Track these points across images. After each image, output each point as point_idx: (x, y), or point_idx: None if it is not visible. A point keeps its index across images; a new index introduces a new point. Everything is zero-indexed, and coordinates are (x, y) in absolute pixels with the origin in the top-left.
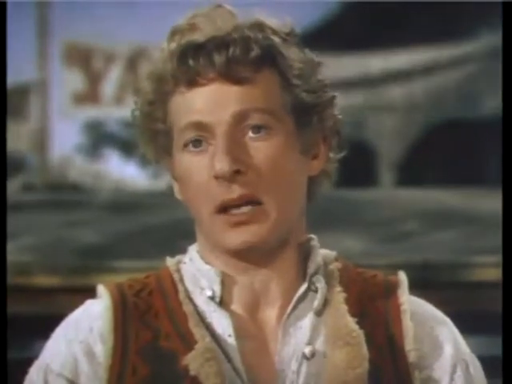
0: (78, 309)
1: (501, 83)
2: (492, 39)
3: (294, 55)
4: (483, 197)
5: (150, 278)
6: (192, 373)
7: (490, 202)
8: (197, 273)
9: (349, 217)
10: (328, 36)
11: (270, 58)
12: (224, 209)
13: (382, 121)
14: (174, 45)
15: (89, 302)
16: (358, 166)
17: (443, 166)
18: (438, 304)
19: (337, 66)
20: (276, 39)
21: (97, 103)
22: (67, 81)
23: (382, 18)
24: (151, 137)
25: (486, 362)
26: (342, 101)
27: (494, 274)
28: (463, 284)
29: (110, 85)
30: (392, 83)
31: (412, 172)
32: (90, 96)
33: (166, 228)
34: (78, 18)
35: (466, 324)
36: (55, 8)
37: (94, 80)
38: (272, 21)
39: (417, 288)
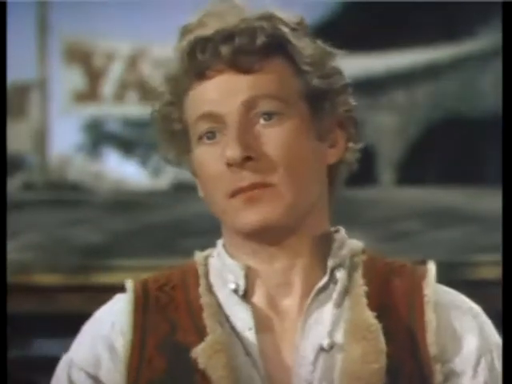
0: (106, 304)
1: (501, 83)
2: (492, 39)
3: (303, 43)
4: (483, 196)
5: (175, 272)
6: (201, 366)
7: (490, 201)
8: (223, 267)
9: (349, 216)
10: (328, 36)
11: (278, 46)
12: (236, 194)
13: (382, 120)
14: (184, 43)
15: (116, 298)
16: (357, 165)
17: (443, 165)
18: None
19: None
20: (285, 29)
21: (97, 102)
22: (67, 79)
23: (383, 19)
24: (170, 138)
25: None
26: None
27: (494, 272)
28: (463, 283)
29: (110, 83)
30: (392, 83)
31: (412, 171)
32: (90, 94)
33: (166, 227)
34: (78, 17)
35: None
36: (55, 7)
37: (94, 78)
38: (281, 12)
39: None
